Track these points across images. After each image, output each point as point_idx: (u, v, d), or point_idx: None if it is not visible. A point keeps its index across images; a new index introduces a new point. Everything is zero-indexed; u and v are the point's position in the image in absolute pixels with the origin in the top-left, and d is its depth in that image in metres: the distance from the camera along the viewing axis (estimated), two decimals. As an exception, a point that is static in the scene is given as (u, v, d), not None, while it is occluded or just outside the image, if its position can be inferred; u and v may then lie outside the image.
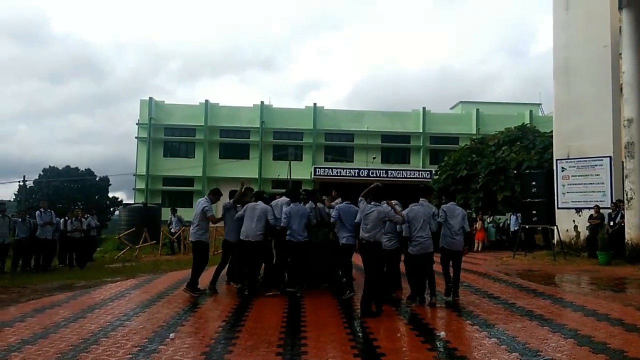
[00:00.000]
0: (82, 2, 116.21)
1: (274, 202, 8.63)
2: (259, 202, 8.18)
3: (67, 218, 13.95)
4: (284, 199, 8.61)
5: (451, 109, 50.57)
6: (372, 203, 6.81)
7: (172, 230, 18.18)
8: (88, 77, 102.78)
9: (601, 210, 14.00)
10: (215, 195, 8.44)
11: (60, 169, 46.54)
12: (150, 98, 42.35)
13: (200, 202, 8.28)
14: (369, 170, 38.80)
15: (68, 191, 44.52)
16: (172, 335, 5.37)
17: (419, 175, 37.47)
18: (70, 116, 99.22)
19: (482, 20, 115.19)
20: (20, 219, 12.54)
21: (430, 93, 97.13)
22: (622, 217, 13.16)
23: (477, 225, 19.31)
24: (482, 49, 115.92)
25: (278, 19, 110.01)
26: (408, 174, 38.40)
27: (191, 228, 8.34)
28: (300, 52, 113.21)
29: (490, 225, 20.64)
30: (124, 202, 44.79)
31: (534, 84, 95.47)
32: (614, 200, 14.03)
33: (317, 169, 38.60)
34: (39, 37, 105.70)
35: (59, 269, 13.11)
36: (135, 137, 42.79)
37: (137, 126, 42.58)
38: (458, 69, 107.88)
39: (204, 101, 42.74)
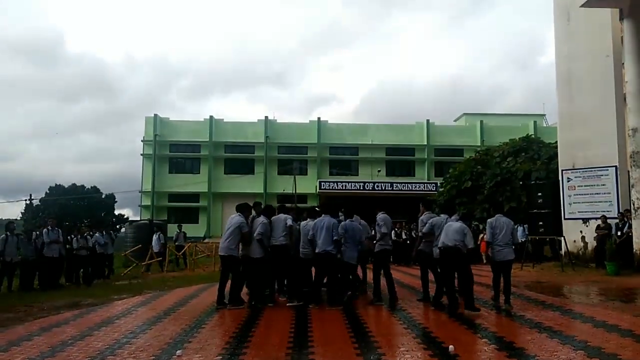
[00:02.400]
0: (97, 21, 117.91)
1: (275, 218, 8.73)
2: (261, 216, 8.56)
3: (72, 236, 13.99)
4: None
5: (455, 121, 50.65)
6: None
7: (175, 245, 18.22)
8: (100, 96, 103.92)
9: (608, 220, 13.91)
10: (248, 212, 8.71)
11: (66, 187, 46.81)
12: (156, 115, 42.70)
13: (234, 218, 8.47)
14: (374, 183, 38.84)
15: (74, 209, 44.75)
16: (178, 352, 5.35)
17: (424, 187, 37.45)
18: (81, 135, 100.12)
19: (491, 34, 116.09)
20: (25, 238, 12.58)
21: (439, 106, 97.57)
22: (630, 226, 13.07)
23: (485, 236, 19.14)
24: (491, 61, 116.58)
25: (289, 36, 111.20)
26: (413, 186, 38.40)
27: (222, 242, 8.48)
28: (310, 68, 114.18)
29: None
30: (130, 219, 44.92)
31: (541, 95, 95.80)
32: (620, 210, 13.95)
33: (322, 183, 38.66)
34: (54, 56, 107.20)
35: (66, 287, 13.12)
36: (141, 154, 43.08)
37: (142, 143, 42.87)
38: (467, 82, 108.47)
39: (208, 117, 43.05)
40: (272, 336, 6.18)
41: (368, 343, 5.70)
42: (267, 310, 8.00)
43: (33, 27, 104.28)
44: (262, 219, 8.55)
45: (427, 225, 8.28)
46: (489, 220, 8.28)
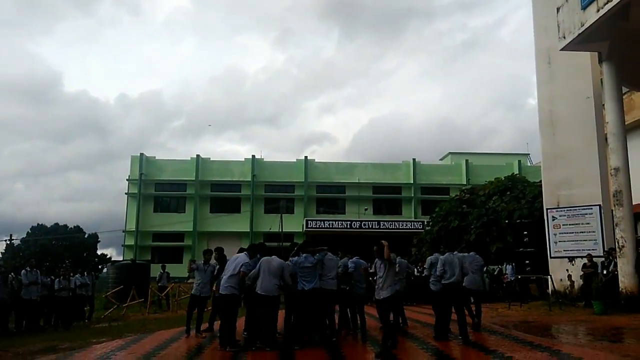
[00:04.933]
0: (94, 61, 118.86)
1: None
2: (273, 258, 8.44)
3: (53, 277, 13.65)
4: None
5: (441, 160, 51.25)
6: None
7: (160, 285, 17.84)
8: (92, 136, 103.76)
9: (594, 259, 13.96)
10: (255, 250, 8.79)
11: (48, 226, 46.02)
12: (142, 154, 42.61)
13: (240, 257, 8.47)
14: (361, 222, 38.77)
15: (56, 249, 43.85)
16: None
17: (411, 225, 37.46)
18: (68, 174, 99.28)
19: (481, 76, 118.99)
20: (1, 280, 12.20)
21: (429, 145, 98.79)
22: (615, 265, 13.11)
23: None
24: (480, 102, 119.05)
25: (283, 77, 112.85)
26: (400, 224, 38.39)
27: (223, 281, 8.37)
28: (303, 108, 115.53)
29: (485, 276, 20.43)
30: (112, 259, 44.12)
31: (529, 136, 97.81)
32: (606, 249, 14.03)
33: (309, 222, 38.48)
34: (49, 97, 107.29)
35: (44, 329, 12.70)
36: (125, 193, 42.71)
37: (127, 182, 42.58)
38: (457, 123, 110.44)
39: (195, 156, 43.05)
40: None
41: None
42: (252, 353, 7.78)
43: (29, 68, 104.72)
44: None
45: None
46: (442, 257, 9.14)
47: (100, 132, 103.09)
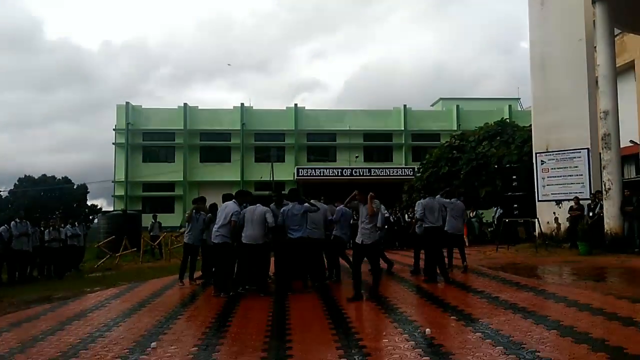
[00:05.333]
0: (76, 6, 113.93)
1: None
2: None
3: (43, 228, 13.64)
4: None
5: (432, 105, 50.92)
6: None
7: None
8: (77, 85, 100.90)
9: (581, 202, 14.18)
10: (243, 197, 8.72)
11: (36, 178, 45.69)
12: (127, 102, 41.82)
13: (229, 206, 8.40)
14: (352, 169, 38.84)
15: (45, 200, 43.72)
16: (153, 344, 5.25)
17: (401, 172, 37.58)
18: (55, 125, 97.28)
19: (474, 19, 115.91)
20: None
21: (422, 90, 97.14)
22: (601, 207, 13.35)
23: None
24: (474, 46, 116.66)
25: (272, 22, 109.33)
26: (391, 171, 38.53)
27: (215, 230, 8.38)
28: (293, 54, 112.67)
29: (474, 220, 20.79)
30: (103, 209, 44.15)
31: (519, 80, 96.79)
32: (592, 192, 14.23)
33: (299, 170, 38.52)
34: (30, 45, 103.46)
35: (37, 280, 12.82)
36: (113, 143, 42.21)
37: (114, 132, 42.02)
38: (450, 67, 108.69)
39: (182, 105, 42.35)
40: (249, 325, 6.11)
41: (346, 329, 5.68)
42: (244, 299, 7.93)
43: (8, 15, 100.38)
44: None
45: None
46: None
47: (85, 80, 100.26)
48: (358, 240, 7.56)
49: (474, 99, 49.37)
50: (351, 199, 8.27)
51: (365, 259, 7.77)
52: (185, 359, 4.71)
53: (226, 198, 8.85)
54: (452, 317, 6.09)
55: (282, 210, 8.56)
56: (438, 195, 9.89)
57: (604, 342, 4.62)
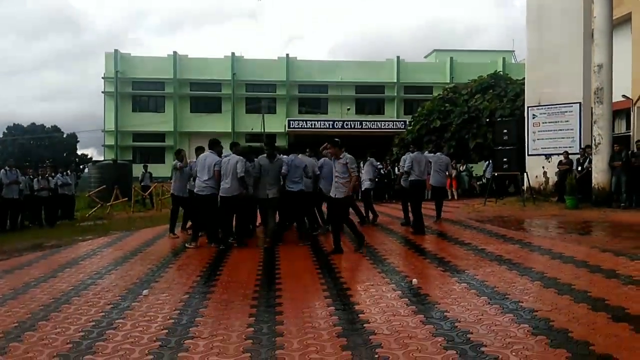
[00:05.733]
0: None
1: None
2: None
3: (32, 176, 13.56)
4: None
5: (425, 57, 50.16)
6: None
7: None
8: (64, 33, 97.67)
9: (570, 156, 14.27)
10: (217, 147, 8.50)
11: (25, 126, 45.03)
12: (116, 50, 40.77)
13: (209, 157, 8.24)
14: (343, 121, 38.61)
15: (35, 149, 43.28)
16: (145, 291, 5.33)
17: (393, 125, 37.45)
18: (43, 73, 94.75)
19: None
20: None
21: (417, 44, 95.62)
22: (590, 162, 13.44)
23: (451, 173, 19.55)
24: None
25: None
26: (383, 124, 38.37)
27: (201, 182, 8.21)
28: (284, 1, 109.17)
29: (464, 173, 20.93)
30: (93, 159, 43.85)
31: (514, 33, 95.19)
32: (582, 146, 14.30)
33: (291, 122, 38.24)
34: None
35: (28, 228, 12.85)
36: (102, 92, 41.46)
37: (103, 80, 41.18)
38: (445, 20, 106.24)
39: (172, 53, 41.38)
40: (239, 274, 6.21)
41: (334, 279, 5.79)
42: (235, 249, 8.02)
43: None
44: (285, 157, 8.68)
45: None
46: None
47: (73, 27, 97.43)
48: (332, 193, 7.57)
49: (468, 51, 48.66)
50: (322, 151, 8.31)
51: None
52: (177, 306, 4.79)
53: (212, 144, 8.64)
54: (438, 268, 6.22)
55: (286, 159, 8.50)
56: (426, 152, 10.26)
57: (586, 294, 4.75)
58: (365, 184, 11.13)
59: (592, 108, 13.79)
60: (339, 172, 7.40)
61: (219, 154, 8.36)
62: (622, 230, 8.89)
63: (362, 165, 11.81)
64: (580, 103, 14.61)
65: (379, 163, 15.71)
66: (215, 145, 8.46)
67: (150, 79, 41.28)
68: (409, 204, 10.04)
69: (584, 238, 8.33)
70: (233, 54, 41.92)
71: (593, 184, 13.13)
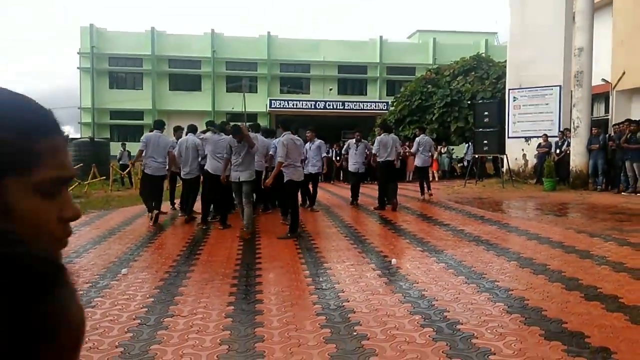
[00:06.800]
0: None
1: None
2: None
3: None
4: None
5: (408, 37, 49.97)
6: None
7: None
8: (39, 4, 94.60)
9: (549, 139, 14.47)
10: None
11: (-2, 102, 43.84)
12: (91, 25, 39.66)
13: (190, 139, 8.69)
14: (325, 102, 38.40)
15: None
16: (124, 270, 5.28)
17: (375, 106, 37.39)
18: (18, 46, 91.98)
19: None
20: None
21: (399, 23, 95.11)
22: (569, 145, 13.66)
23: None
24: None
25: None
26: (365, 105, 38.29)
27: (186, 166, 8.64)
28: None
29: (444, 155, 21.08)
30: (70, 136, 42.92)
31: (498, 14, 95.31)
32: (561, 129, 14.50)
33: (272, 101, 37.88)
34: None
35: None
36: (78, 68, 40.44)
37: (78, 56, 40.15)
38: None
39: (150, 29, 40.46)
40: (220, 253, 6.19)
41: (315, 259, 5.81)
42: (216, 229, 7.98)
43: None
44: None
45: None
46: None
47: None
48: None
49: (452, 32, 48.52)
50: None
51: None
52: (156, 284, 4.76)
53: (191, 129, 8.97)
54: (417, 249, 6.29)
55: (276, 140, 8.46)
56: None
57: (560, 273, 4.85)
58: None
59: (571, 91, 13.96)
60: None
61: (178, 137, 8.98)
62: (598, 212, 9.08)
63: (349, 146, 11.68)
64: (560, 86, 14.76)
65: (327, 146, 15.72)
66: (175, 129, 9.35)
67: (127, 55, 40.30)
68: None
69: (561, 220, 8.49)
70: (212, 30, 41.16)
71: (571, 167, 13.37)
